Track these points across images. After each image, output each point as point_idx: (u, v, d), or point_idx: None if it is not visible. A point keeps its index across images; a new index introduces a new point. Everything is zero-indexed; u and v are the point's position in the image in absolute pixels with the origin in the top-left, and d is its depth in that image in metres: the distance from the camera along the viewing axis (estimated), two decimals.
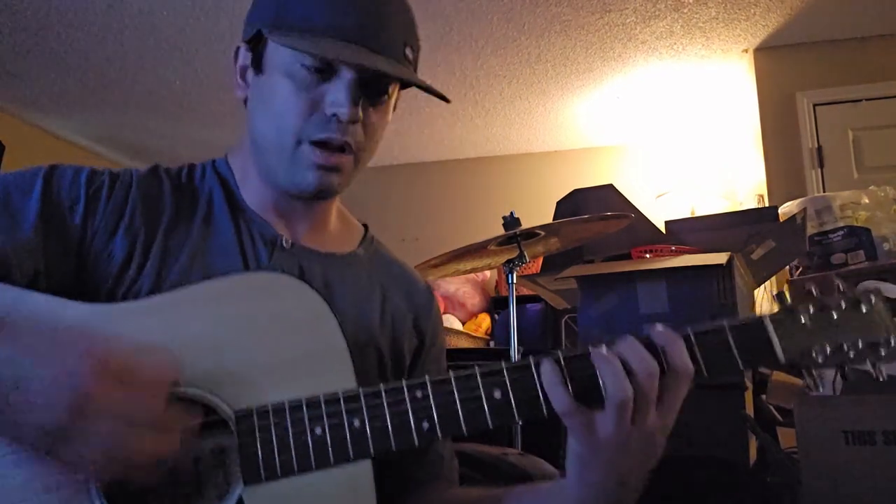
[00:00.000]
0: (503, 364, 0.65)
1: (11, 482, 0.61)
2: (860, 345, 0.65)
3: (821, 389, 0.67)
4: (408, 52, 0.83)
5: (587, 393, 0.63)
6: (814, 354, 0.66)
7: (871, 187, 2.31)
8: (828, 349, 0.65)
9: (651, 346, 0.64)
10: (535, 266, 2.69)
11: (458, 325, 3.90)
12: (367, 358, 0.86)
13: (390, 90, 0.85)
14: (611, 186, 2.26)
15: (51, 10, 2.97)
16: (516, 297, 1.99)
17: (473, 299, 4.12)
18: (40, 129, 4.26)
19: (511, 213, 1.94)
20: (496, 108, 4.17)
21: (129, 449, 0.59)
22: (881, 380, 0.66)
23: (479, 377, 0.65)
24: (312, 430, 0.64)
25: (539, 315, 3.53)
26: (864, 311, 0.66)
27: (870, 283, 1.45)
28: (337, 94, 0.79)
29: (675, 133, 4.49)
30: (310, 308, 0.71)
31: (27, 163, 0.83)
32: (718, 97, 3.98)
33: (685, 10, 3.10)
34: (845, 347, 0.65)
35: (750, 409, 1.69)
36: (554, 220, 2.16)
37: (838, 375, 0.68)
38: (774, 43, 3.42)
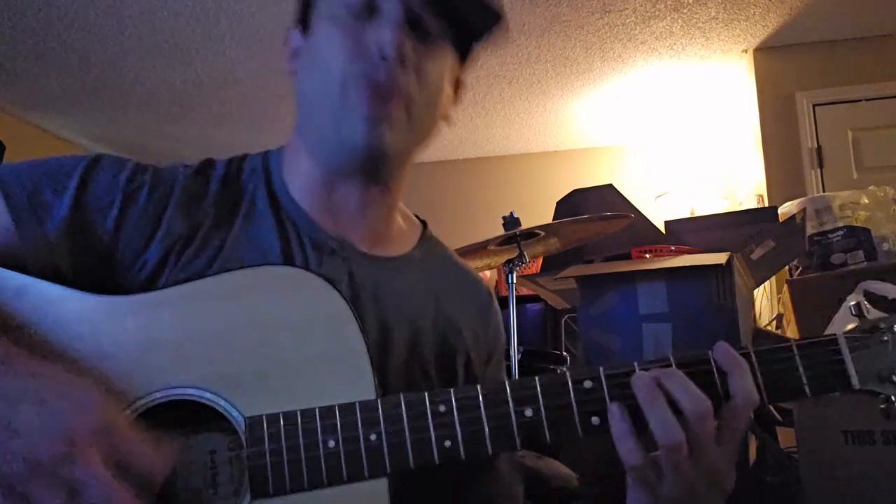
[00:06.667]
0: (536, 380, 0.61)
1: None
2: None
3: None
4: None
5: (643, 428, 0.59)
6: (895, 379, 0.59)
7: (871, 187, 2.31)
8: None
9: (706, 373, 0.59)
10: (535, 266, 2.69)
11: None
12: (417, 371, 0.81)
13: (439, 31, 0.78)
14: (610, 186, 2.26)
15: (51, 10, 2.97)
16: (516, 296, 1.99)
17: None
18: (40, 129, 4.26)
19: (511, 213, 1.94)
20: (496, 108, 4.17)
21: None
22: None
23: (508, 391, 0.60)
24: (325, 443, 0.60)
25: (539, 315, 3.52)
26: None
27: (868, 284, 1.45)
28: (381, 30, 0.73)
29: (674, 133, 4.49)
30: (330, 308, 0.67)
31: None
32: (718, 97, 3.98)
33: (685, 11, 3.10)
34: None
35: None
36: (554, 220, 2.16)
37: None
38: (774, 43, 3.43)
